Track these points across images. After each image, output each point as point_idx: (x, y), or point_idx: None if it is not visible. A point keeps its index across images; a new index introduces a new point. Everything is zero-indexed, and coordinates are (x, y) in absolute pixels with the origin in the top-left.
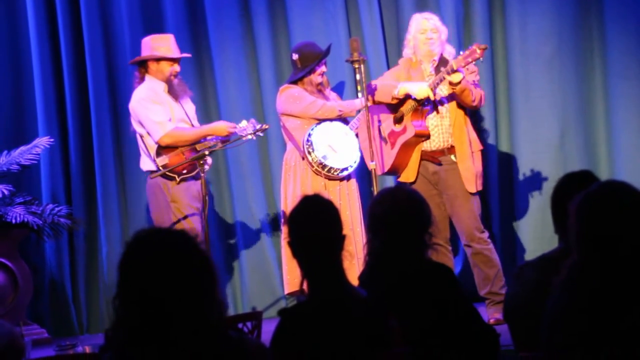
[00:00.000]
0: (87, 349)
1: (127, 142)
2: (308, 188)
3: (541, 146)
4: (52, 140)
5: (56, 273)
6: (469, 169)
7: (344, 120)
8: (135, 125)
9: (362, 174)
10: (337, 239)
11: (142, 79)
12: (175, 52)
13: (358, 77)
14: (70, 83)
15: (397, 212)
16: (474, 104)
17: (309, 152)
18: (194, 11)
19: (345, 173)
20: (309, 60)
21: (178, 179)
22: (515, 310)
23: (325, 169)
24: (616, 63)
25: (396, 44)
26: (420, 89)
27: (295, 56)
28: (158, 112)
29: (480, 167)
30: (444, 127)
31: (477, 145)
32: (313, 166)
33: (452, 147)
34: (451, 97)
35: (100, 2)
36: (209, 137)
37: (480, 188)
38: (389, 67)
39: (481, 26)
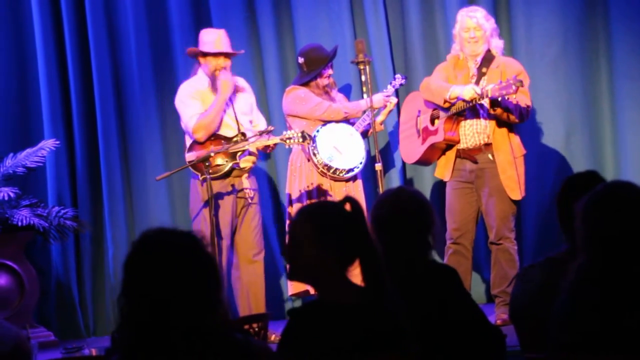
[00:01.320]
0: (94, 352)
1: (133, 144)
2: (314, 189)
3: (547, 146)
4: (57, 142)
5: (62, 275)
6: (512, 177)
7: (348, 121)
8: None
9: (368, 174)
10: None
11: (195, 73)
12: (216, 46)
13: (363, 78)
14: (76, 85)
15: (401, 213)
16: (517, 121)
17: (314, 154)
18: (199, 13)
19: (351, 174)
20: (315, 64)
21: (200, 178)
22: (521, 311)
23: (331, 171)
24: (622, 63)
25: (402, 45)
26: (466, 90)
27: (301, 60)
28: (193, 107)
29: (522, 172)
30: (480, 127)
31: (520, 150)
32: (318, 167)
33: (489, 144)
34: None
35: (106, 5)
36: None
37: (524, 194)
38: (394, 68)
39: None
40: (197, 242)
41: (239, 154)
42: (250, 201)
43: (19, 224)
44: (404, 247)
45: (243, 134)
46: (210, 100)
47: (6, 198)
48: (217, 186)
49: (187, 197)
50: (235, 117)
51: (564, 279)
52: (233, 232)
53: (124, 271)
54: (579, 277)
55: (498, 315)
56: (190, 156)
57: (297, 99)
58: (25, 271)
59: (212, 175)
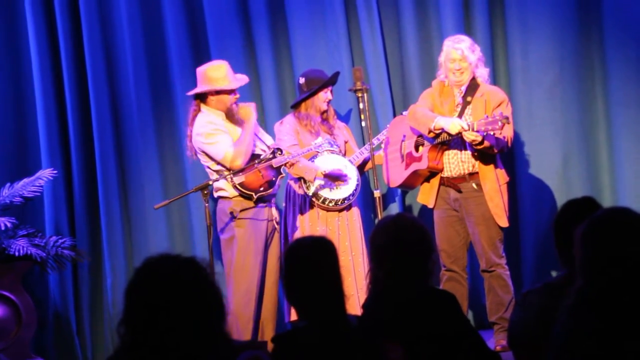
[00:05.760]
0: None
1: (131, 172)
2: (306, 218)
3: (544, 173)
4: (55, 172)
5: (60, 305)
6: (498, 205)
7: (344, 154)
8: (200, 156)
9: (368, 200)
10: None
11: (198, 110)
12: (233, 82)
13: (361, 106)
14: (74, 115)
15: (400, 241)
16: (497, 152)
17: (305, 184)
18: (198, 42)
19: (340, 206)
20: (314, 84)
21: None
22: (520, 337)
23: (320, 200)
24: (617, 91)
25: (399, 72)
26: (452, 125)
27: (302, 80)
28: (222, 142)
29: (507, 199)
30: (465, 156)
31: (504, 178)
32: (310, 198)
33: (473, 173)
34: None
35: (103, 35)
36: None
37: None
38: (392, 96)
39: (484, 55)
40: (200, 269)
41: (281, 167)
42: (275, 226)
43: (16, 254)
44: (405, 274)
45: (279, 149)
46: (230, 131)
47: (3, 228)
48: (251, 212)
49: (186, 226)
50: (258, 137)
51: (563, 303)
52: (265, 256)
53: (126, 297)
54: (578, 301)
55: (497, 341)
56: (239, 178)
57: (277, 135)
58: (23, 302)
59: (266, 193)
